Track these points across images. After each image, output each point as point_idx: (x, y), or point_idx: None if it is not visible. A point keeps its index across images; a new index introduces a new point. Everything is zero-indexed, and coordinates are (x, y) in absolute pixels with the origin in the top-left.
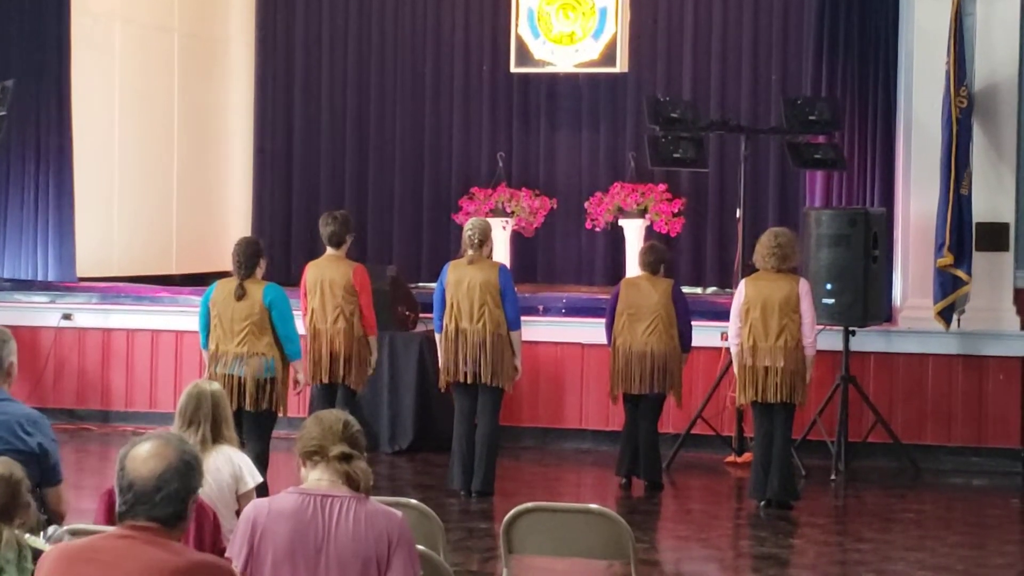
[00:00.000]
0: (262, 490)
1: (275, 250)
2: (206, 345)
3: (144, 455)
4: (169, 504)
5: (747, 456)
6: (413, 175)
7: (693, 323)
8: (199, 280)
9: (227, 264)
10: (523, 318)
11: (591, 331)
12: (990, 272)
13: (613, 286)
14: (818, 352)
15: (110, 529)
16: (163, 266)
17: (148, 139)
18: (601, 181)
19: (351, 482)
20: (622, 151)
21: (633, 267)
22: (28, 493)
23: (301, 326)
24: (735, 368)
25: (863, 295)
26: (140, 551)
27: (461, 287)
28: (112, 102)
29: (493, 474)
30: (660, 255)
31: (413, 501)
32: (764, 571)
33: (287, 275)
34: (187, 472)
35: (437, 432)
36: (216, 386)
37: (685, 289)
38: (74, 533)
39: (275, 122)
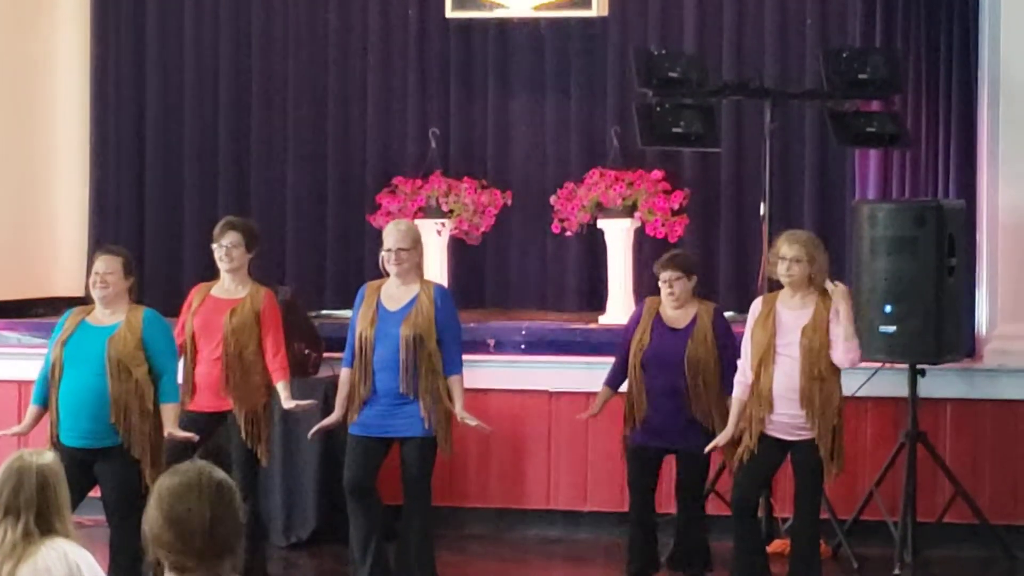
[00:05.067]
0: None
1: None
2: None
3: None
4: None
5: (778, 544)
6: (312, 162)
7: None
8: (15, 310)
9: (57, 288)
10: (469, 357)
11: (562, 374)
12: None
13: (590, 311)
14: (875, 400)
15: None
16: None
17: None
18: (573, 167)
19: None
20: (601, 125)
21: (617, 282)
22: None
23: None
24: (731, 415)
25: (936, 320)
26: None
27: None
28: None
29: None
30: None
31: None
32: None
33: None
34: None
35: (347, 517)
36: (48, 457)
37: None
38: None
39: (120, 88)
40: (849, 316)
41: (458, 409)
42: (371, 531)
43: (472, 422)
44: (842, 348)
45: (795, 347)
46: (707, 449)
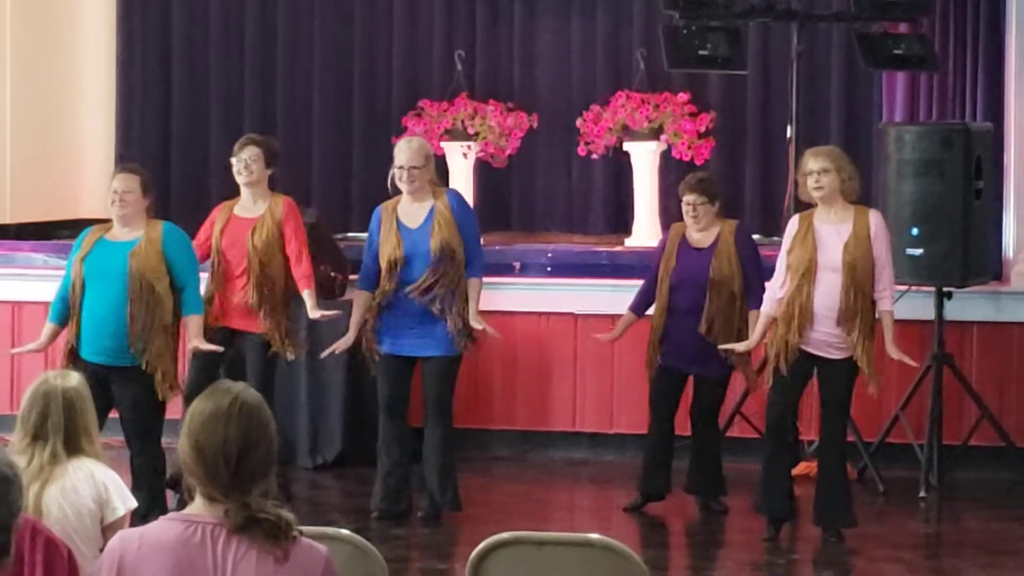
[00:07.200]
0: None
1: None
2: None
3: None
4: None
5: (804, 466)
6: (338, 85)
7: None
8: (41, 232)
9: (82, 210)
10: (494, 279)
11: (588, 296)
12: None
13: (616, 234)
14: (902, 323)
15: None
16: None
17: None
18: (599, 90)
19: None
20: (628, 48)
21: (643, 205)
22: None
23: None
24: (758, 327)
25: (962, 243)
26: None
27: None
28: None
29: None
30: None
31: (345, 532)
32: None
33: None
34: (3, 490)
35: (373, 440)
36: (74, 380)
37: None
38: None
39: (146, 14)
40: (885, 252)
41: (472, 312)
42: (401, 451)
43: (480, 326)
44: (889, 295)
45: (837, 264)
46: (721, 347)
